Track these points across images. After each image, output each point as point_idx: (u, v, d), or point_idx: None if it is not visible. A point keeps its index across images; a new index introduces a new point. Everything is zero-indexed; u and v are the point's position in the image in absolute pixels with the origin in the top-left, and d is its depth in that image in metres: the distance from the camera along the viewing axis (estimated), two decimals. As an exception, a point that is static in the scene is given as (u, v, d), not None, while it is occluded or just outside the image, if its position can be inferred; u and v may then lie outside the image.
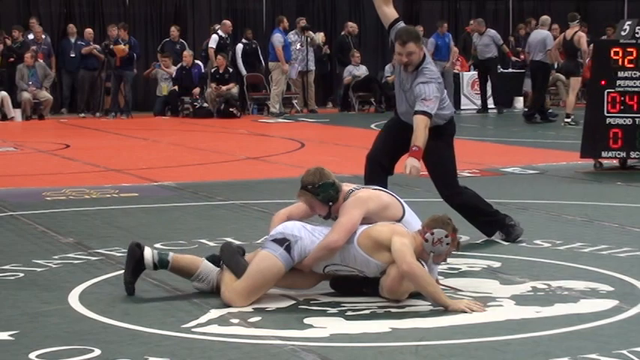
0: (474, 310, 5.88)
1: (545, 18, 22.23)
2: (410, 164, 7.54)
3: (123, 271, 6.46)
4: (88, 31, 24.30)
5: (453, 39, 25.98)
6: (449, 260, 7.25)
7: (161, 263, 6.32)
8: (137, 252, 6.30)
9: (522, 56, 26.03)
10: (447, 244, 6.14)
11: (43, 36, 24.37)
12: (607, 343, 5.19)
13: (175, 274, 6.45)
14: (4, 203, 10.27)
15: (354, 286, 6.35)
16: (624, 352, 5.03)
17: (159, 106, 24.12)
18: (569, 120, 19.38)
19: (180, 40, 25.11)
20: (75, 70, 24.25)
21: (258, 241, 7.99)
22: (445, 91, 8.02)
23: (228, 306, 6.02)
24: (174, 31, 25.04)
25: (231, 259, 6.23)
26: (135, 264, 6.31)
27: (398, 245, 6.04)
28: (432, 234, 6.11)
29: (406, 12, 28.12)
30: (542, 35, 21.38)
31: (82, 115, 23.62)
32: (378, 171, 8.11)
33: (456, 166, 8.25)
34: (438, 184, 8.20)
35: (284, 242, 6.20)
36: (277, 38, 23.71)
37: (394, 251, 6.04)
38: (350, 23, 25.90)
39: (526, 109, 22.36)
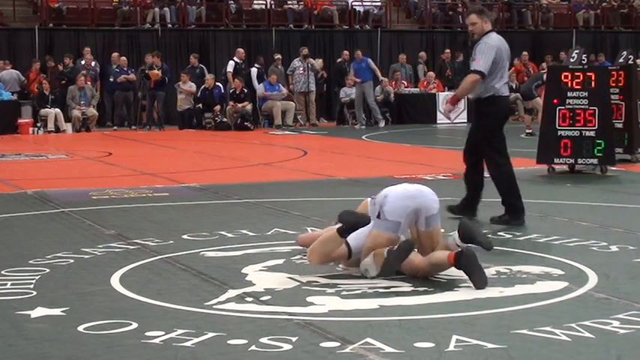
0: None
1: None
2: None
3: (156, 257, 6.39)
4: (123, 59, 24.25)
5: (430, 65, 25.83)
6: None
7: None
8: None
9: None
10: None
11: (93, 63, 24.36)
12: (559, 318, 5.18)
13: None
14: (58, 201, 10.26)
15: None
16: (573, 325, 5.01)
17: (180, 119, 24.00)
18: (529, 131, 19.40)
19: (200, 65, 25.03)
20: (113, 90, 24.19)
21: (269, 233, 7.99)
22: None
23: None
24: (192, 58, 25.00)
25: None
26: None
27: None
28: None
29: (392, 41, 28.14)
30: None
31: (115, 128, 23.58)
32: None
33: None
34: None
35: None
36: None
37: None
38: (345, 52, 25.89)
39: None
